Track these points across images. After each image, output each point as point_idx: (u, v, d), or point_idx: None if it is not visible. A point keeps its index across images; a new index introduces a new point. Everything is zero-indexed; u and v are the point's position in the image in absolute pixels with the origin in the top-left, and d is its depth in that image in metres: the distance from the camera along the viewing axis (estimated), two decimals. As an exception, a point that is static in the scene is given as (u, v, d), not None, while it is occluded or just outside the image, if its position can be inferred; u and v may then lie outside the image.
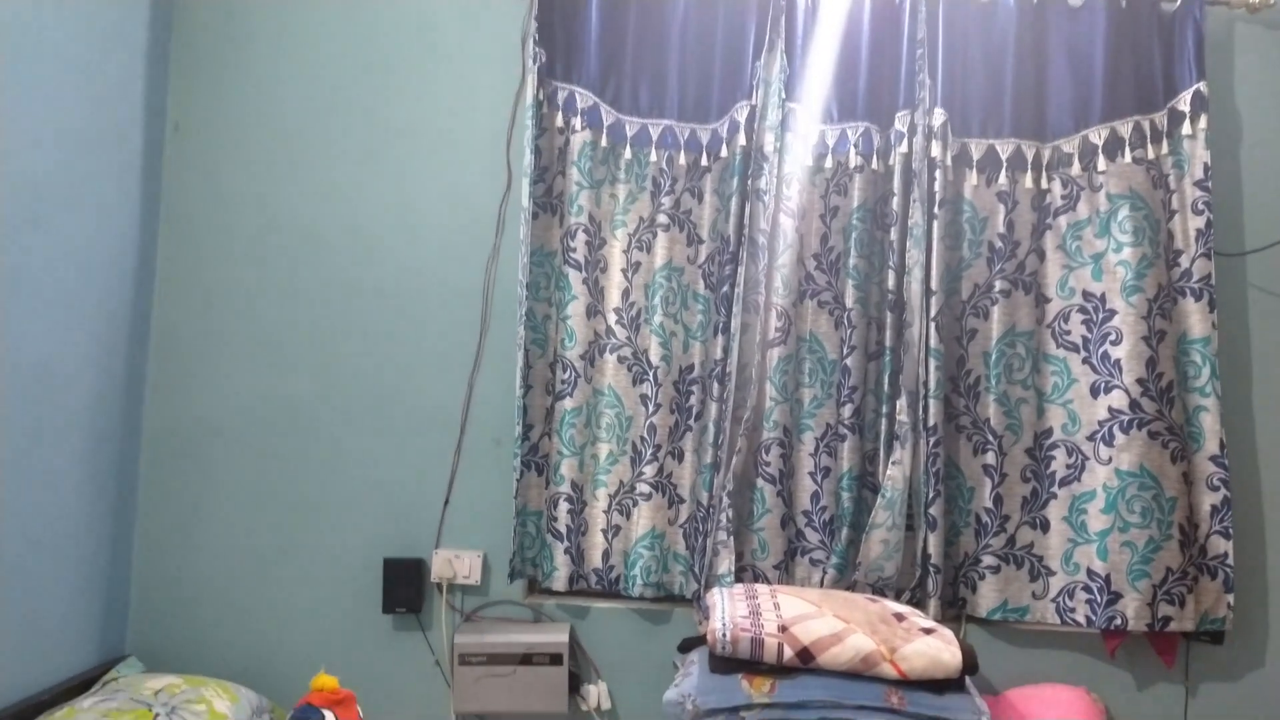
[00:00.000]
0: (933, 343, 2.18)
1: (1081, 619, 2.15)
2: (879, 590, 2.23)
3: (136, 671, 2.15)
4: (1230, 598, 2.13)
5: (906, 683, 1.91)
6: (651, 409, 2.26)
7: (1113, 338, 2.16)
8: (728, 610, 2.00)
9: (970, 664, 1.92)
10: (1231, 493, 2.14)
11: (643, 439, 2.26)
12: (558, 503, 2.24)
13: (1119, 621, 2.10)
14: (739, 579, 2.26)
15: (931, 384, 2.18)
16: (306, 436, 2.34)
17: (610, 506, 2.27)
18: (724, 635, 1.93)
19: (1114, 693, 2.24)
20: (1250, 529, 2.23)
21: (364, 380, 2.34)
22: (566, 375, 2.27)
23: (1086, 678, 2.23)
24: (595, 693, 2.25)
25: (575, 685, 2.24)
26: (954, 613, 2.26)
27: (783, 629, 1.94)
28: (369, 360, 2.34)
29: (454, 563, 2.27)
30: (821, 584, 2.25)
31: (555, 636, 2.19)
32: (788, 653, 1.91)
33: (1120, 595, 2.11)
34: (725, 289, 2.24)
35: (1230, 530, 2.12)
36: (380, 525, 2.31)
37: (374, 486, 2.32)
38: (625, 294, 2.29)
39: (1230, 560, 2.12)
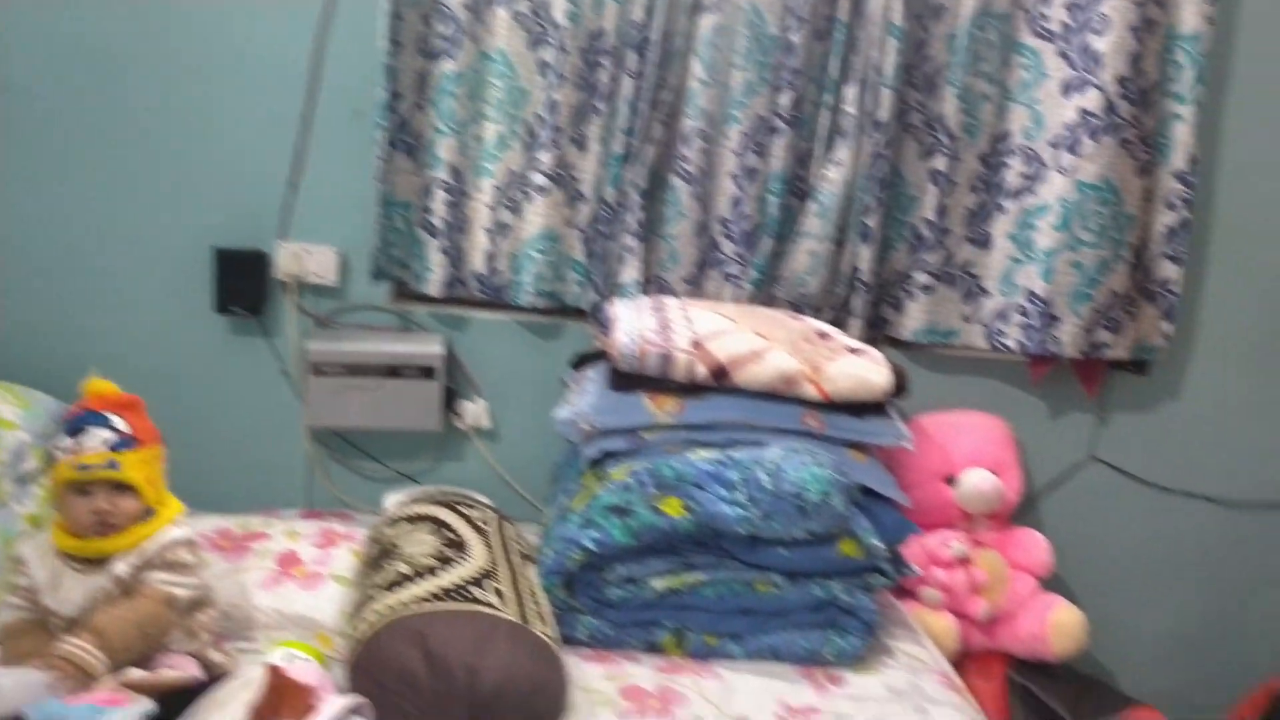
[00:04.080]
0: (896, 18, 1.81)
1: (1013, 344, 1.98)
2: (798, 308, 1.99)
3: (-101, 374, 1.74)
4: (1167, 326, 1.99)
5: (826, 405, 1.71)
6: (553, 81, 1.84)
7: (1096, 25, 1.84)
8: (634, 323, 1.73)
9: (901, 385, 1.72)
10: (1190, 214, 1.94)
11: (539, 118, 1.85)
12: (432, 191, 1.85)
13: (1054, 347, 1.94)
14: (644, 293, 1.97)
15: (888, 69, 1.83)
16: (111, 94, 1.84)
17: (497, 200, 1.89)
18: (629, 349, 1.66)
19: (1025, 421, 2.12)
20: (1195, 252, 2.06)
21: (177, 24, 1.82)
22: (447, 30, 1.81)
23: (1000, 405, 2.10)
24: (474, 410, 1.98)
25: (450, 402, 1.96)
26: (874, 335, 2.05)
27: (696, 344, 1.68)
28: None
29: (303, 258, 1.88)
30: (736, 300, 1.99)
31: (428, 347, 1.88)
32: (700, 370, 1.67)
33: (1059, 319, 1.93)
34: (649, -72, 1.78)
35: (1181, 255, 1.94)
36: (209, 207, 1.88)
37: (198, 159, 1.87)
38: (521, -73, 1.80)
39: (1175, 286, 1.96)
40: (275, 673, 1.16)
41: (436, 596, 1.26)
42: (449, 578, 1.31)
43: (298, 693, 1.15)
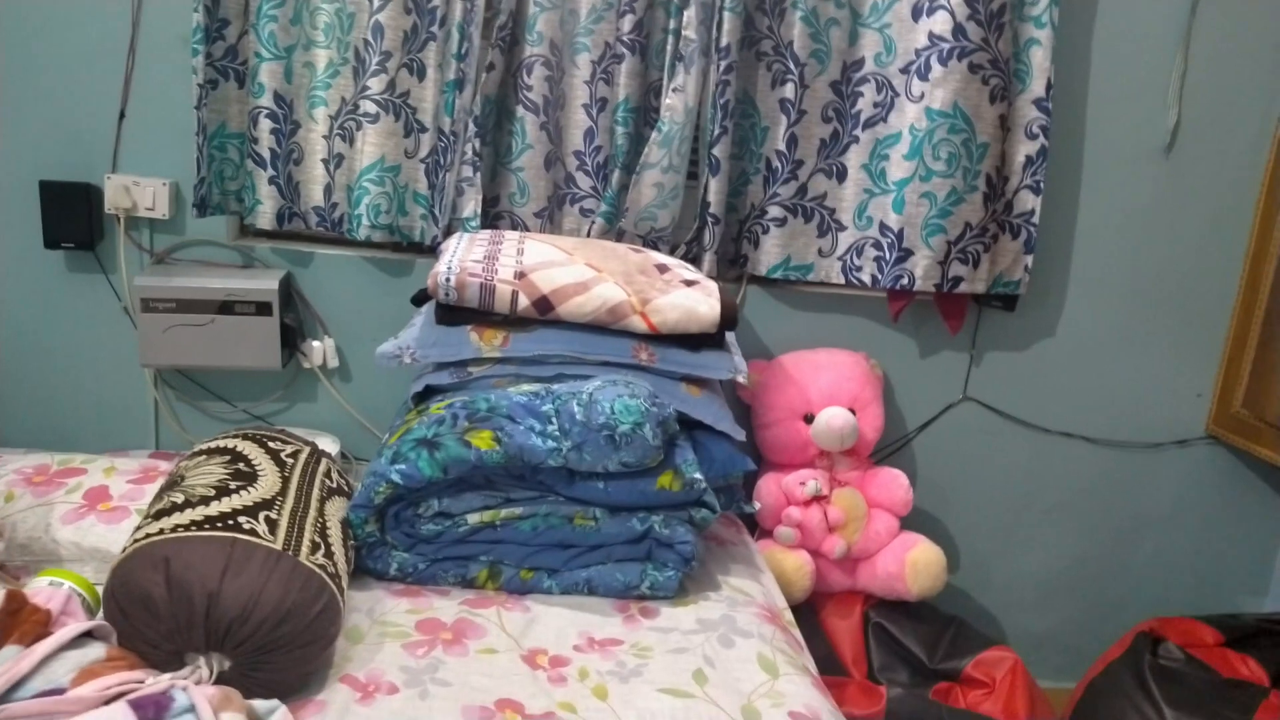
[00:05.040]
0: (734, -63, 1.75)
1: (868, 278, 1.93)
2: (651, 243, 1.95)
3: None
4: (1029, 259, 1.94)
5: (659, 338, 1.67)
6: (377, 3, 1.77)
7: (947, -55, 1.78)
8: (459, 254, 1.68)
9: (729, 317, 1.68)
10: (1050, 142, 1.89)
11: (366, 43, 1.79)
12: (258, 120, 1.79)
13: (906, 281, 1.89)
14: (494, 227, 1.92)
15: (728, -9, 1.77)
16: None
17: (332, 130, 1.84)
18: (448, 280, 1.62)
19: (895, 360, 2.09)
20: (1063, 186, 2.01)
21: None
22: (267, -48, 1.75)
23: (868, 344, 2.06)
24: (320, 350, 1.94)
25: (295, 340, 1.92)
26: (736, 273, 2.01)
27: (520, 275, 1.64)
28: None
29: (133, 191, 1.83)
30: (589, 235, 1.95)
31: (262, 283, 1.84)
32: (523, 302, 1.63)
33: (911, 252, 1.88)
34: None
35: (1041, 185, 1.89)
36: (34, 140, 1.82)
37: (22, 90, 1.80)
38: None
39: (1036, 218, 1.91)
40: (11, 597, 1.13)
41: (197, 524, 1.22)
42: (219, 507, 1.27)
43: (34, 616, 1.12)
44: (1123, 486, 2.22)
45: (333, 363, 1.95)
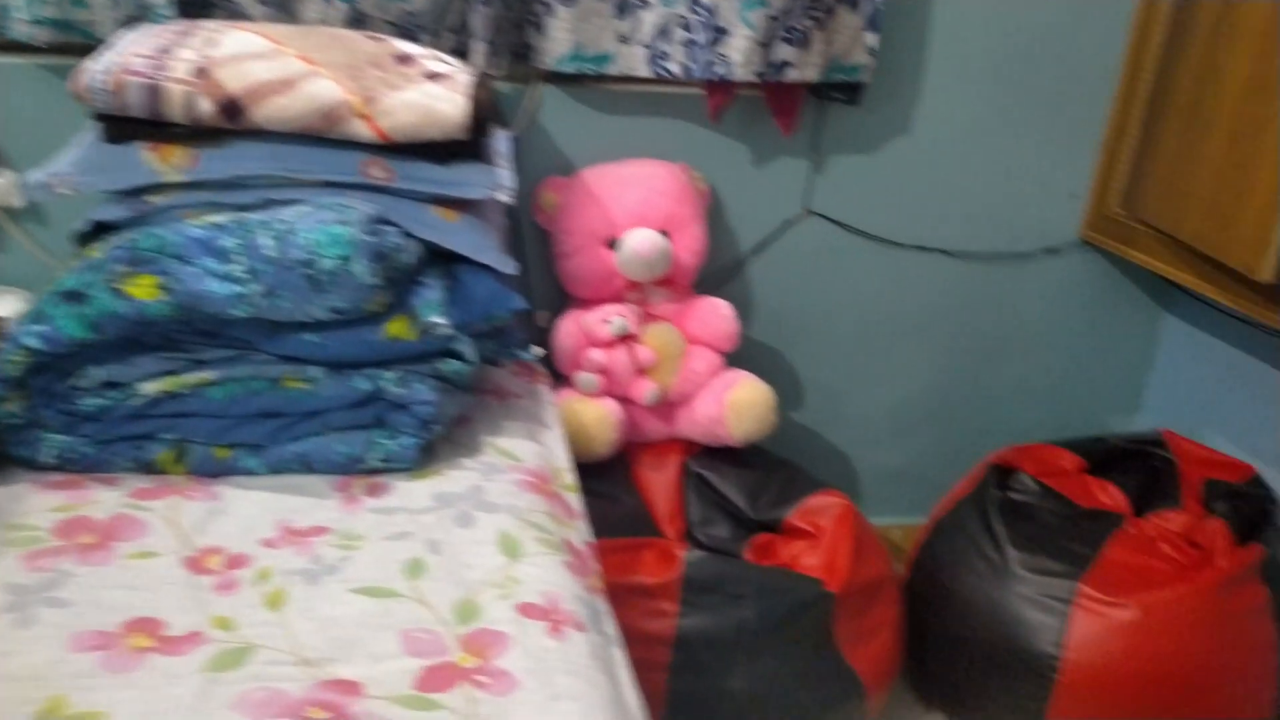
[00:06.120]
0: None
1: (677, 68, 1.58)
2: (407, 33, 1.56)
3: None
4: (872, 38, 1.60)
5: (396, 149, 1.32)
6: None
7: None
8: (126, 49, 1.29)
9: (482, 118, 1.33)
10: (892, -114, 1.52)
11: None
12: None
13: (721, 69, 1.55)
14: (205, 20, 1.52)
15: None
16: None
17: (-39, -111, 1.40)
18: (98, 81, 1.24)
19: (722, 171, 1.77)
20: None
21: None
22: None
23: (690, 153, 1.73)
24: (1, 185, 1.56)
25: (-37, 172, 1.54)
26: (525, 71, 1.65)
27: (201, 72, 1.26)
28: None
29: None
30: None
31: (-110, 97, 1.43)
32: (204, 106, 1.25)
33: (727, 32, 1.53)
34: None
35: (882, -59, 1.53)
36: None
37: None
38: None
39: (874, -15, 1.56)
40: None
41: None
42: None
43: None
44: (986, 303, 1.98)
45: (17, 201, 1.57)
